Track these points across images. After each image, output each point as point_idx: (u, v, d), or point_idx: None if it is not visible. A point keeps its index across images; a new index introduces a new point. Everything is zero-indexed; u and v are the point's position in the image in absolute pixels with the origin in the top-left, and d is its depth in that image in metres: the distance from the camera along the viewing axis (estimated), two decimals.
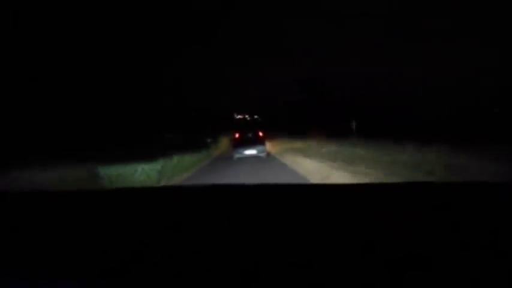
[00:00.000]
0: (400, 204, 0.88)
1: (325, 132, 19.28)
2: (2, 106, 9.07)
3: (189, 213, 0.88)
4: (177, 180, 7.45)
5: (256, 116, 54.70)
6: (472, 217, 0.73)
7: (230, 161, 10.27)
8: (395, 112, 23.22)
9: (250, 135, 10.94)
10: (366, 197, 1.00)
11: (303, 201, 0.98)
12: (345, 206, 0.90)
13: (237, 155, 10.29)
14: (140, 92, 16.50)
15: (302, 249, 0.58)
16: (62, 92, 11.46)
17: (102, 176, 5.92)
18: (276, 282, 0.47)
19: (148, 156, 7.65)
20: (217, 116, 36.84)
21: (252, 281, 0.48)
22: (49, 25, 11.14)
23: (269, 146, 15.69)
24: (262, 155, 10.40)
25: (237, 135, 11.16)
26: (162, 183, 6.81)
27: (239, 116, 55.91)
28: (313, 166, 8.01)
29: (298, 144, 14.68)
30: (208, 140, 18.53)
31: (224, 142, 20.44)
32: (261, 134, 11.07)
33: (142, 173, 6.55)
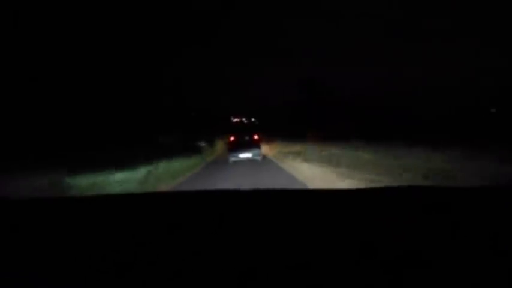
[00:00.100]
0: (397, 207, 0.88)
1: (325, 133, 19.23)
2: (1, 106, 9.07)
3: (186, 217, 0.88)
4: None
5: (253, 119, 54.24)
6: (470, 220, 0.73)
7: (225, 167, 9.75)
8: (395, 112, 23.24)
9: (245, 138, 10.84)
10: (363, 201, 0.99)
11: (300, 206, 0.98)
12: (342, 209, 0.90)
13: (232, 159, 10.24)
14: (140, 92, 16.50)
15: (299, 252, 0.58)
16: (62, 92, 11.47)
17: (67, 187, 5.07)
18: (274, 285, 0.47)
19: (134, 161, 7.32)
20: (216, 116, 36.84)
21: (250, 284, 0.48)
22: (49, 25, 11.14)
23: (267, 149, 15.56)
24: (258, 158, 10.35)
25: (232, 139, 11.02)
26: None
27: (236, 119, 55.34)
28: (313, 172, 7.40)
29: (297, 147, 14.36)
30: (203, 144, 17.67)
31: (220, 145, 20.03)
32: (256, 137, 10.98)
33: (121, 183, 5.80)
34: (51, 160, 7.01)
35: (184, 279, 0.50)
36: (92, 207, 1.07)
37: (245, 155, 10.14)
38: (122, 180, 5.92)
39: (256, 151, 10.30)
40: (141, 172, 6.80)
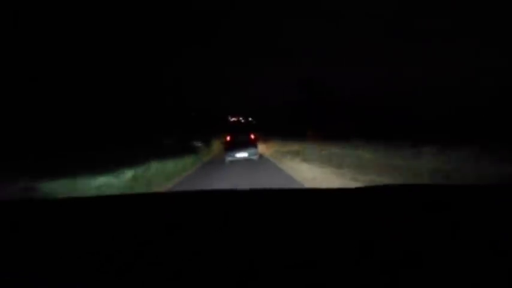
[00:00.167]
0: (396, 206, 0.88)
1: (324, 133, 19.15)
2: (1, 106, 9.07)
3: (185, 218, 0.88)
4: None
5: (250, 119, 54.36)
6: (470, 218, 0.72)
7: (221, 167, 9.57)
8: (395, 112, 23.22)
9: (242, 138, 10.81)
10: (361, 199, 0.99)
11: (297, 205, 0.98)
12: (341, 208, 0.90)
13: (228, 158, 10.21)
14: (140, 92, 16.50)
15: (299, 251, 0.58)
16: (62, 92, 11.46)
17: (40, 194, 4.46)
18: (274, 284, 0.47)
19: (128, 161, 6.97)
20: (215, 116, 36.87)
21: (250, 283, 0.48)
22: (49, 25, 11.13)
23: (264, 148, 15.45)
24: (254, 157, 10.31)
25: (228, 138, 11.02)
26: None
27: (233, 119, 55.50)
28: (313, 173, 7.03)
29: (296, 146, 14.05)
30: (199, 144, 17.31)
31: (217, 145, 19.78)
32: (252, 136, 10.96)
33: (103, 188, 5.28)
34: (51, 160, 7.01)
35: (184, 279, 0.50)
36: (91, 207, 1.07)
37: (241, 155, 10.11)
38: (99, 186, 5.26)
39: (252, 150, 10.25)
40: (126, 175, 6.11)
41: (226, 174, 8.04)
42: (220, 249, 0.60)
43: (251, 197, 1.14)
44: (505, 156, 4.94)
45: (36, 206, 1.11)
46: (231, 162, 10.15)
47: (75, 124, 11.41)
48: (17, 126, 9.20)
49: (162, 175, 7.70)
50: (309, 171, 7.40)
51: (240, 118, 56.56)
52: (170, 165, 8.92)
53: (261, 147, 15.14)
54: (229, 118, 54.72)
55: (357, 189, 1.19)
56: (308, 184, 5.80)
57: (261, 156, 11.40)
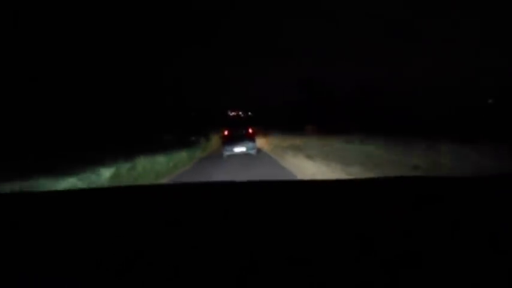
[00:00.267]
0: (397, 199, 0.88)
1: (325, 128, 19.01)
2: (1, 106, 9.06)
3: (185, 210, 0.88)
4: None
5: (250, 113, 54.58)
6: (468, 212, 0.72)
7: (219, 162, 9.28)
8: (395, 112, 23.20)
9: (240, 132, 10.62)
10: (362, 192, 0.99)
11: (299, 198, 0.98)
12: (341, 201, 0.90)
13: (226, 153, 10.06)
14: (140, 91, 16.48)
15: (299, 246, 0.58)
16: (62, 92, 11.45)
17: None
18: (273, 279, 0.47)
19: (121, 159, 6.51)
20: (215, 113, 36.80)
21: (250, 278, 0.48)
22: (49, 25, 11.13)
23: (265, 143, 15.14)
24: (252, 151, 10.17)
25: (226, 132, 10.85)
26: None
27: (233, 113, 55.67)
28: (322, 172, 6.25)
29: (297, 141, 13.51)
30: (197, 139, 16.96)
31: (215, 140, 19.43)
32: (250, 130, 10.75)
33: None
34: (51, 160, 7.00)
35: (182, 273, 0.50)
36: (85, 201, 1.06)
37: (239, 149, 9.98)
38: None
39: (250, 145, 10.12)
40: (103, 176, 5.31)
41: (224, 172, 7.63)
42: (219, 244, 0.60)
43: (250, 188, 1.14)
44: None
45: (29, 199, 1.09)
46: (229, 156, 10.01)
47: (75, 124, 11.40)
48: (17, 126, 9.19)
49: (152, 173, 7.09)
50: (315, 169, 6.71)
51: (240, 112, 56.71)
52: (162, 160, 8.18)
53: (261, 142, 14.76)
54: (229, 112, 54.87)
55: (357, 180, 1.19)
56: None
57: (260, 150, 11.19)
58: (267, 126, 25.55)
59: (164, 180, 6.91)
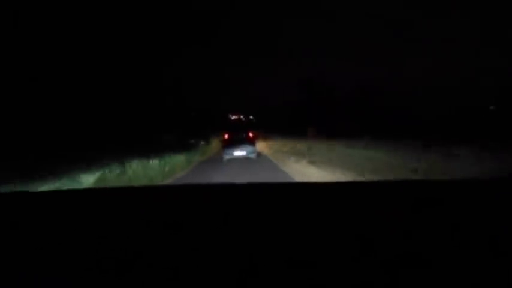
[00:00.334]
0: (397, 202, 0.88)
1: (325, 131, 18.94)
2: (1, 106, 9.06)
3: (185, 212, 0.88)
4: None
5: (251, 117, 54.79)
6: (467, 214, 0.72)
7: (218, 166, 8.93)
8: (395, 112, 23.22)
9: (240, 136, 10.58)
10: (363, 195, 0.99)
11: (299, 200, 0.98)
12: (341, 204, 0.90)
13: (226, 157, 10.01)
14: (140, 92, 16.49)
15: (298, 248, 0.57)
16: (62, 92, 11.46)
17: None
18: (273, 281, 0.47)
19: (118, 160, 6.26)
20: (215, 115, 36.81)
21: (249, 280, 0.48)
22: (49, 25, 11.13)
23: (266, 147, 14.99)
24: (252, 155, 10.10)
25: (226, 136, 10.83)
26: None
27: (234, 117, 55.87)
28: (327, 180, 5.67)
29: (299, 145, 13.12)
30: (197, 142, 16.56)
31: (215, 143, 19.23)
32: (251, 134, 10.72)
33: None
34: (50, 160, 6.99)
35: (181, 275, 0.50)
36: (85, 201, 1.06)
37: (240, 153, 9.94)
38: None
39: (250, 149, 10.06)
40: (85, 183, 4.77)
41: (224, 180, 7.54)
42: (218, 246, 0.60)
43: (250, 191, 1.13)
44: None
45: (31, 199, 1.08)
46: (229, 161, 9.92)
47: (75, 124, 11.40)
48: (17, 126, 9.20)
49: (145, 178, 6.72)
50: (322, 178, 6.19)
51: (241, 116, 56.85)
52: (157, 164, 7.58)
53: (262, 147, 14.64)
54: (230, 116, 55.02)
55: (357, 182, 1.19)
56: None
57: (261, 155, 11.12)
58: (267, 129, 25.46)
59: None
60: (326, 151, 9.41)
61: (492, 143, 6.47)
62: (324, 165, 7.16)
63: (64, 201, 1.07)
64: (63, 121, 11.00)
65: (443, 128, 13.74)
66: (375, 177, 5.40)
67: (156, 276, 0.49)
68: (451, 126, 13.87)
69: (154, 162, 7.61)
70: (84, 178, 4.92)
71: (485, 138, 7.89)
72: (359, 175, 5.66)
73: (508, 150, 5.36)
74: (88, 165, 5.63)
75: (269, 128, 27.59)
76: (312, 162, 7.89)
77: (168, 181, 7.21)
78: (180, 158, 9.61)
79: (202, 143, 17.17)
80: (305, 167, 7.52)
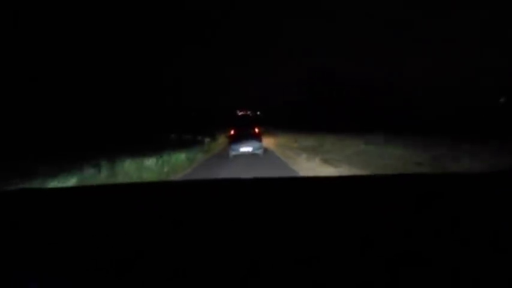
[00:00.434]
0: (399, 197, 0.88)
1: (328, 127, 18.70)
2: (1, 106, 9.06)
3: (188, 208, 0.88)
4: None
5: (258, 112, 55.13)
6: (468, 209, 0.72)
7: (224, 164, 8.60)
8: (395, 112, 23.22)
9: (246, 131, 10.49)
10: (364, 190, 0.99)
11: (302, 196, 0.97)
12: (344, 199, 0.89)
13: (232, 153, 9.95)
14: (140, 92, 16.49)
15: (301, 245, 0.57)
16: (62, 92, 11.46)
17: None
18: (276, 278, 0.47)
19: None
20: (217, 114, 36.80)
21: (252, 276, 0.48)
22: (49, 25, 11.14)
23: (273, 143, 14.83)
24: (259, 151, 10.01)
25: (232, 132, 10.80)
26: None
27: (241, 112, 56.16)
28: None
29: (310, 141, 12.27)
30: (202, 139, 15.90)
31: (222, 139, 18.72)
32: (257, 130, 10.63)
33: None
34: (51, 158, 6.99)
35: (184, 272, 0.49)
36: (86, 198, 1.05)
37: (246, 149, 9.87)
38: None
39: (257, 145, 10.00)
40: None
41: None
42: (221, 242, 0.60)
43: (252, 186, 1.13)
44: None
45: (31, 197, 1.08)
46: (235, 159, 9.76)
47: (76, 124, 11.41)
48: (17, 126, 9.19)
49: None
50: None
51: (248, 112, 57.08)
52: (153, 164, 6.78)
53: (270, 143, 14.24)
54: (237, 112, 55.29)
55: (360, 176, 1.19)
56: None
57: (270, 153, 10.92)
58: (273, 125, 25.29)
59: None
60: (340, 148, 8.62)
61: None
62: (341, 164, 6.25)
63: (66, 198, 1.06)
64: (63, 121, 11.01)
65: (447, 126, 13.62)
66: None
67: (159, 274, 0.49)
68: (456, 125, 13.69)
69: (151, 162, 6.79)
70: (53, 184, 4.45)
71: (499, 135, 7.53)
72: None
73: None
74: (81, 165, 5.43)
75: (274, 125, 27.46)
76: (326, 161, 6.91)
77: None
78: (180, 157, 8.86)
79: (208, 139, 16.74)
80: (319, 167, 6.57)
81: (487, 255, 0.51)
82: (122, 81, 14.77)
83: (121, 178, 5.63)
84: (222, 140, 18.62)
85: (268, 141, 14.69)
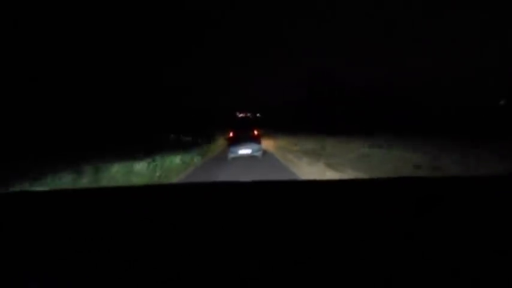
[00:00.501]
0: (397, 201, 0.88)
1: (329, 130, 18.67)
2: (1, 106, 9.06)
3: (188, 210, 0.87)
4: None
5: (258, 114, 55.14)
6: (468, 212, 0.72)
7: (221, 173, 7.88)
8: (395, 112, 23.22)
9: (245, 134, 10.44)
10: (366, 193, 0.99)
11: (302, 199, 0.97)
12: (343, 203, 0.89)
13: (231, 155, 9.88)
14: (140, 92, 16.49)
15: (301, 249, 0.57)
16: (62, 92, 11.46)
17: None
18: (275, 280, 0.47)
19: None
20: (220, 113, 36.67)
21: (251, 280, 0.47)
22: (49, 26, 11.14)
23: (273, 146, 14.67)
24: (258, 154, 9.95)
25: (231, 134, 10.70)
26: None
27: (241, 115, 56.13)
28: None
29: (311, 143, 11.97)
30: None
31: (221, 141, 18.63)
32: (256, 132, 10.55)
33: None
34: (50, 158, 6.97)
35: (184, 274, 0.49)
36: (86, 200, 1.05)
37: (245, 151, 9.83)
38: None
39: (256, 147, 9.95)
40: None
41: None
42: (220, 245, 0.60)
43: (254, 190, 1.13)
44: None
45: (30, 199, 1.08)
46: (234, 162, 9.59)
47: (76, 124, 11.40)
48: (17, 126, 9.19)
49: None
50: None
51: (248, 114, 57.04)
52: (144, 168, 6.16)
53: (270, 146, 14.07)
54: (238, 114, 55.26)
55: (360, 180, 1.18)
56: None
57: (267, 153, 10.83)
58: (271, 127, 25.19)
59: None
60: (343, 151, 8.25)
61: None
62: (347, 170, 5.78)
63: (64, 201, 1.06)
64: (63, 121, 11.00)
65: (448, 127, 13.55)
66: None
67: (156, 278, 0.49)
68: (457, 126, 13.58)
69: (141, 165, 6.15)
70: None
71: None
72: None
73: None
74: (60, 170, 5.02)
75: (274, 126, 27.36)
76: (330, 165, 6.44)
77: None
78: (175, 160, 8.24)
79: (205, 141, 16.61)
80: (324, 172, 6.08)
81: (487, 258, 0.50)
82: (122, 81, 14.77)
83: (105, 184, 5.26)
84: (221, 142, 18.40)
85: (267, 144, 14.54)
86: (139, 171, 6.10)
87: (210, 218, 0.78)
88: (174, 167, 7.73)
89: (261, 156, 10.00)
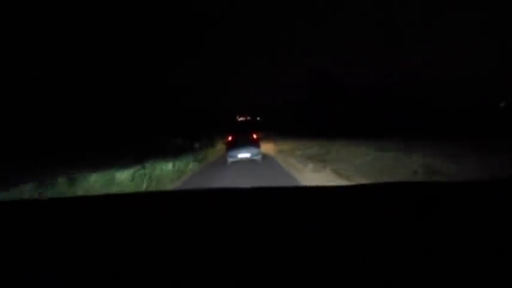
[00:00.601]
0: (397, 206, 0.88)
1: (330, 130, 18.53)
2: (1, 106, 9.06)
3: (186, 217, 0.87)
4: None
5: (258, 118, 55.16)
6: (468, 217, 0.72)
7: (222, 174, 7.79)
8: (394, 112, 23.24)
9: (244, 137, 10.42)
10: (364, 199, 0.99)
11: (301, 205, 0.97)
12: (342, 209, 0.89)
13: (230, 159, 9.85)
14: (140, 93, 16.52)
15: (301, 257, 0.57)
16: (62, 92, 11.46)
17: None
18: (274, 286, 0.47)
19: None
20: (219, 115, 36.64)
21: (250, 284, 0.47)
22: (49, 25, 11.15)
23: (274, 150, 14.31)
24: (257, 158, 9.94)
25: (230, 138, 10.68)
26: None
27: (241, 118, 56.16)
28: None
29: (315, 148, 11.29)
30: (196, 145, 15.28)
31: (220, 146, 18.41)
32: (255, 136, 10.59)
33: None
34: (50, 158, 6.97)
35: (182, 280, 0.49)
36: (85, 208, 1.06)
37: (244, 155, 9.84)
38: None
39: (255, 151, 9.97)
40: None
41: None
42: (219, 251, 0.60)
43: (251, 195, 1.13)
44: None
45: (30, 206, 1.08)
46: (233, 167, 9.40)
47: (75, 124, 11.40)
48: (17, 126, 9.19)
49: None
50: None
51: (248, 117, 57.09)
52: (127, 179, 5.32)
53: (270, 150, 13.95)
54: (237, 117, 55.26)
55: (359, 186, 1.19)
56: None
57: (267, 157, 10.85)
58: (271, 130, 25.03)
59: None
60: (349, 155, 7.62)
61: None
62: (358, 178, 5.06)
63: (66, 208, 1.07)
64: (63, 121, 11.00)
65: (448, 127, 13.52)
66: None
67: (154, 282, 0.49)
68: (458, 126, 13.52)
69: (125, 175, 5.20)
70: None
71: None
72: None
73: None
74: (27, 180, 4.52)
75: (274, 129, 27.27)
76: (338, 173, 5.81)
77: None
78: (167, 167, 7.30)
79: (197, 145, 16.32)
80: (332, 181, 5.30)
81: (488, 262, 0.50)
82: (122, 81, 14.79)
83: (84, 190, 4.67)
84: (220, 146, 18.21)
85: (268, 148, 14.33)
86: (122, 182, 5.19)
87: (206, 226, 0.77)
88: (165, 175, 6.87)
89: (261, 161, 9.92)
